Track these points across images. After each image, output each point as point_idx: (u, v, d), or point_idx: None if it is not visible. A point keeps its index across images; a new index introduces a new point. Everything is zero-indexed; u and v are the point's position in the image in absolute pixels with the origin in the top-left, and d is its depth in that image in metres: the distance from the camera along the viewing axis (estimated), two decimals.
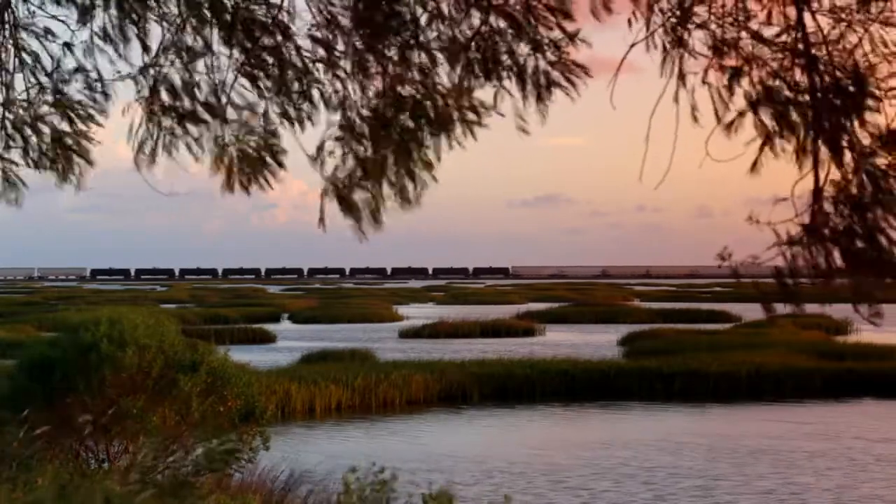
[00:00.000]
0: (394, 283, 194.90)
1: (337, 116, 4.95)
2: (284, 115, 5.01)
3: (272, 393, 30.72)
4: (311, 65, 4.99)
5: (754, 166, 4.23)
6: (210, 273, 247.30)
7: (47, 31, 5.45)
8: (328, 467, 22.25)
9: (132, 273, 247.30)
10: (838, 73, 4.05)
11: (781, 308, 4.25)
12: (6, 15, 5.40)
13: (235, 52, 5.06)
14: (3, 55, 5.45)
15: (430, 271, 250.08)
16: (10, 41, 5.41)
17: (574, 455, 25.71)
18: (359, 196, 4.89)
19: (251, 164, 5.04)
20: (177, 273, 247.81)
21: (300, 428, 30.13)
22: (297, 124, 5.01)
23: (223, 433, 14.31)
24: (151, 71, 5.22)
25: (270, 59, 5.00)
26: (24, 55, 5.45)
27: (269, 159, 5.07)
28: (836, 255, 3.98)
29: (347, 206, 4.87)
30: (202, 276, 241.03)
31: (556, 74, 4.74)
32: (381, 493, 10.08)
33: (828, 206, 4.02)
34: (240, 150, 5.05)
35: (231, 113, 5.10)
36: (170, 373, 15.97)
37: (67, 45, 5.44)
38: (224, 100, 5.07)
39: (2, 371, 19.75)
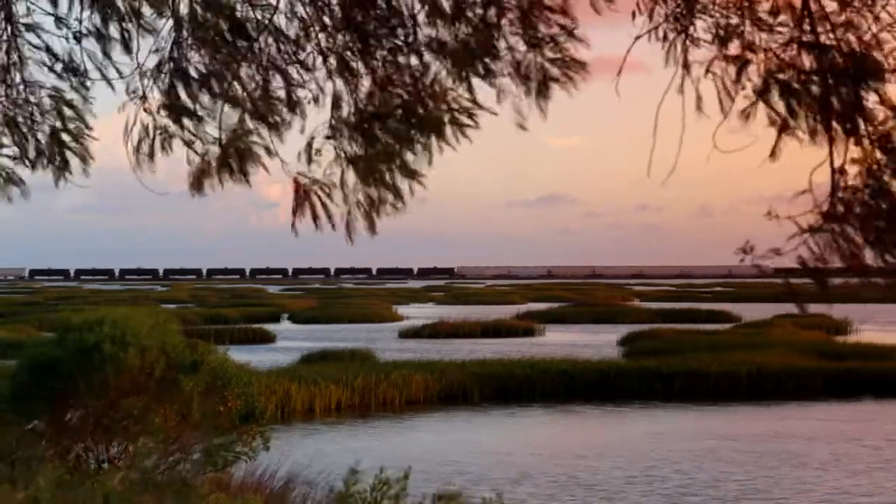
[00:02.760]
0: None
1: (325, 116, 4.92)
2: (262, 118, 4.97)
3: (272, 393, 30.69)
4: (298, 64, 4.95)
5: (773, 153, 4.16)
6: (151, 273, 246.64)
7: (44, 27, 5.42)
8: (328, 467, 22.19)
9: (71, 273, 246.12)
10: (846, 52, 4.00)
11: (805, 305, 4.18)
12: (1, 10, 5.36)
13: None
14: None
15: (374, 272, 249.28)
16: (6, 36, 5.37)
17: (588, 457, 25.42)
18: (344, 196, 4.87)
19: (235, 160, 5.02)
20: (116, 273, 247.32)
21: (300, 428, 30.09)
22: (281, 125, 4.98)
23: (223, 433, 14.32)
24: (144, 70, 5.19)
25: (260, 59, 4.96)
26: (20, 51, 5.41)
27: (236, 159, 5.03)
28: (860, 240, 3.91)
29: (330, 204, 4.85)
30: (143, 276, 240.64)
31: (554, 71, 4.71)
32: (382, 491, 10.02)
33: (847, 193, 3.95)
34: (221, 150, 5.02)
35: (219, 111, 5.07)
36: (171, 373, 15.92)
37: (65, 40, 5.40)
38: (214, 96, 5.04)
39: (3, 371, 19.69)
